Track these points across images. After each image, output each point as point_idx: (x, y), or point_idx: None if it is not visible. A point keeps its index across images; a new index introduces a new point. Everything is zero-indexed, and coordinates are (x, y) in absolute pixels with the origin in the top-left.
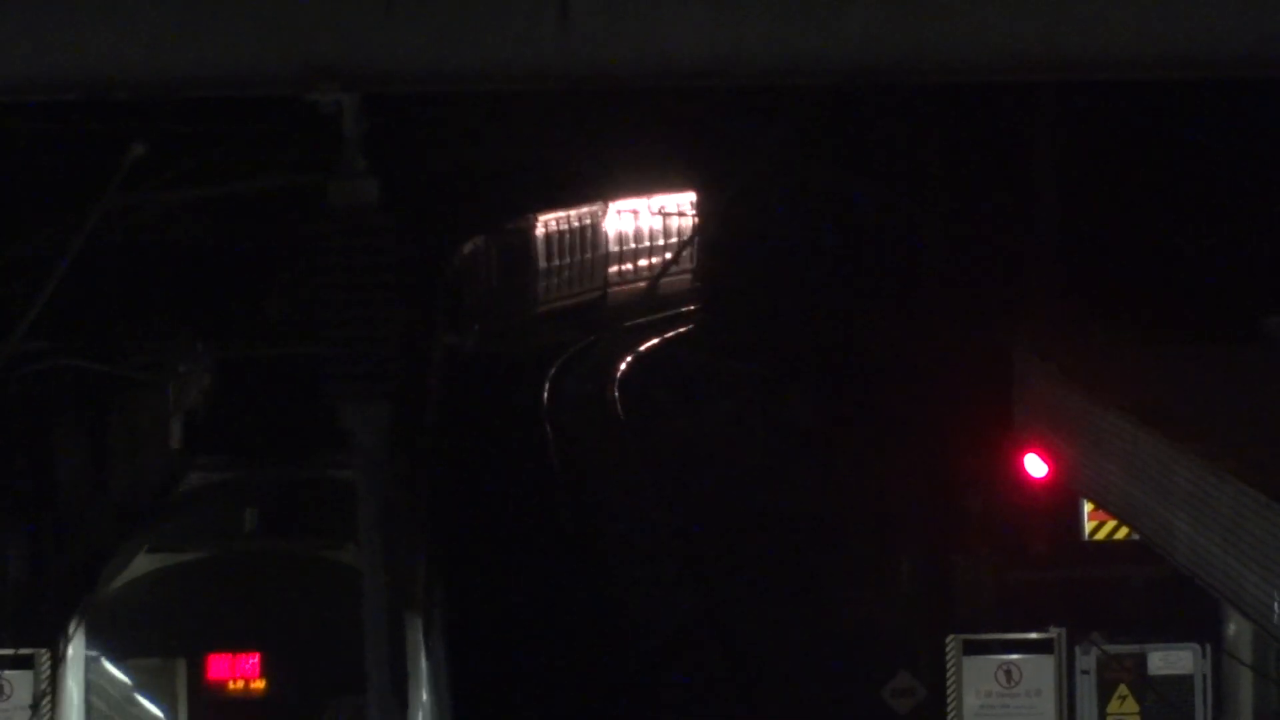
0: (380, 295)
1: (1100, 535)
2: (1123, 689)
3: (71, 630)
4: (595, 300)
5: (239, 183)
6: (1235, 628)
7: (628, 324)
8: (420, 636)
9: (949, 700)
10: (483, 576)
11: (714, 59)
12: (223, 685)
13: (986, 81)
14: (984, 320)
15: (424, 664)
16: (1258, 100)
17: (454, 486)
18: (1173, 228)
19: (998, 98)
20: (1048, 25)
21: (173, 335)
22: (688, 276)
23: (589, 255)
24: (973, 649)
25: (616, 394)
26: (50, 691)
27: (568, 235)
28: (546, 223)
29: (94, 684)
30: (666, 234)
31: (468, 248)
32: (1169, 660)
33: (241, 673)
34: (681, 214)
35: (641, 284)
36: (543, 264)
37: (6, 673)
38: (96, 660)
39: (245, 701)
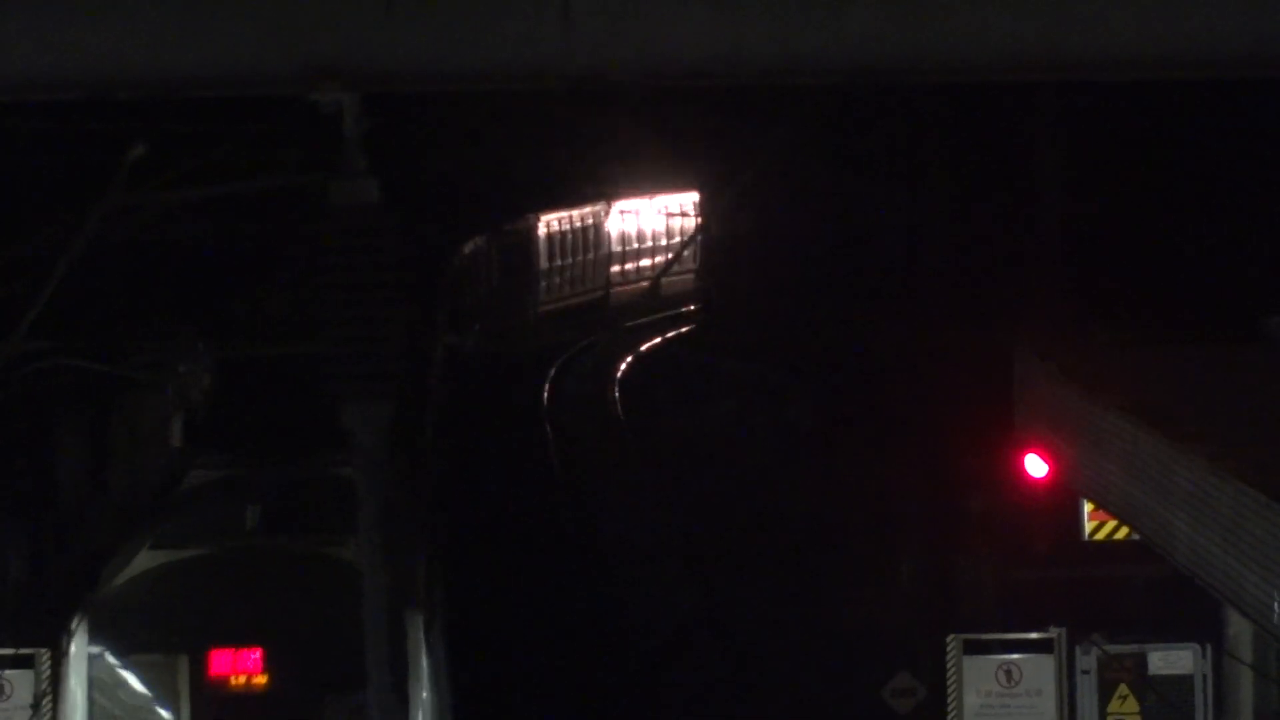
0: (381, 295)
1: (1100, 535)
2: (1123, 689)
3: (74, 627)
4: (595, 301)
5: (240, 182)
6: (1235, 628)
7: (628, 324)
8: (421, 634)
9: (949, 700)
10: (483, 576)
11: (714, 59)
12: (225, 681)
13: (986, 81)
14: (984, 320)
15: (424, 662)
16: (1258, 100)
17: (454, 486)
18: (1173, 228)
19: (998, 98)
20: (1048, 25)
21: (173, 335)
22: (688, 277)
23: (589, 255)
24: (973, 649)
25: (617, 394)
26: (51, 691)
27: (568, 235)
28: (547, 223)
29: (97, 680)
30: (668, 234)
31: (468, 247)
32: (1169, 660)
33: (243, 668)
34: (685, 214)
35: (642, 284)
36: (543, 264)
37: (7, 672)
38: (99, 657)
39: (247, 697)
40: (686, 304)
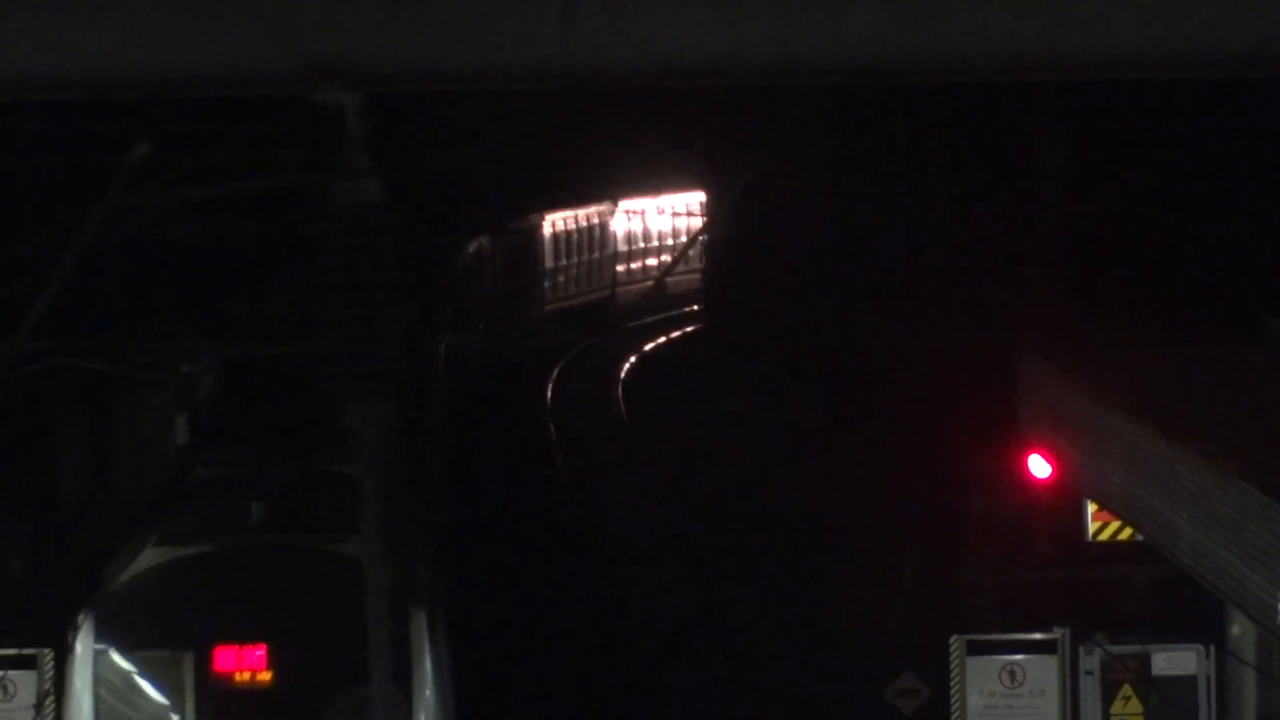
0: (382, 294)
1: (1103, 536)
2: (1126, 689)
3: (80, 623)
4: (596, 301)
5: (240, 182)
6: (1239, 628)
7: (630, 324)
8: (424, 631)
9: (953, 701)
10: (485, 575)
11: (714, 59)
12: (229, 677)
13: (986, 81)
14: (987, 321)
15: (427, 658)
16: (1258, 100)
17: (456, 485)
18: (1173, 228)
19: (998, 98)
20: (1048, 25)
21: (174, 335)
22: (688, 277)
23: (590, 255)
24: (976, 649)
25: (620, 393)
26: (54, 691)
27: (568, 235)
28: (548, 223)
29: (102, 676)
30: (669, 234)
31: (470, 247)
32: (1172, 661)
33: (248, 664)
34: (685, 214)
35: (643, 284)
36: (544, 264)
37: (10, 673)
38: (104, 653)
39: (252, 693)
40: (689, 304)
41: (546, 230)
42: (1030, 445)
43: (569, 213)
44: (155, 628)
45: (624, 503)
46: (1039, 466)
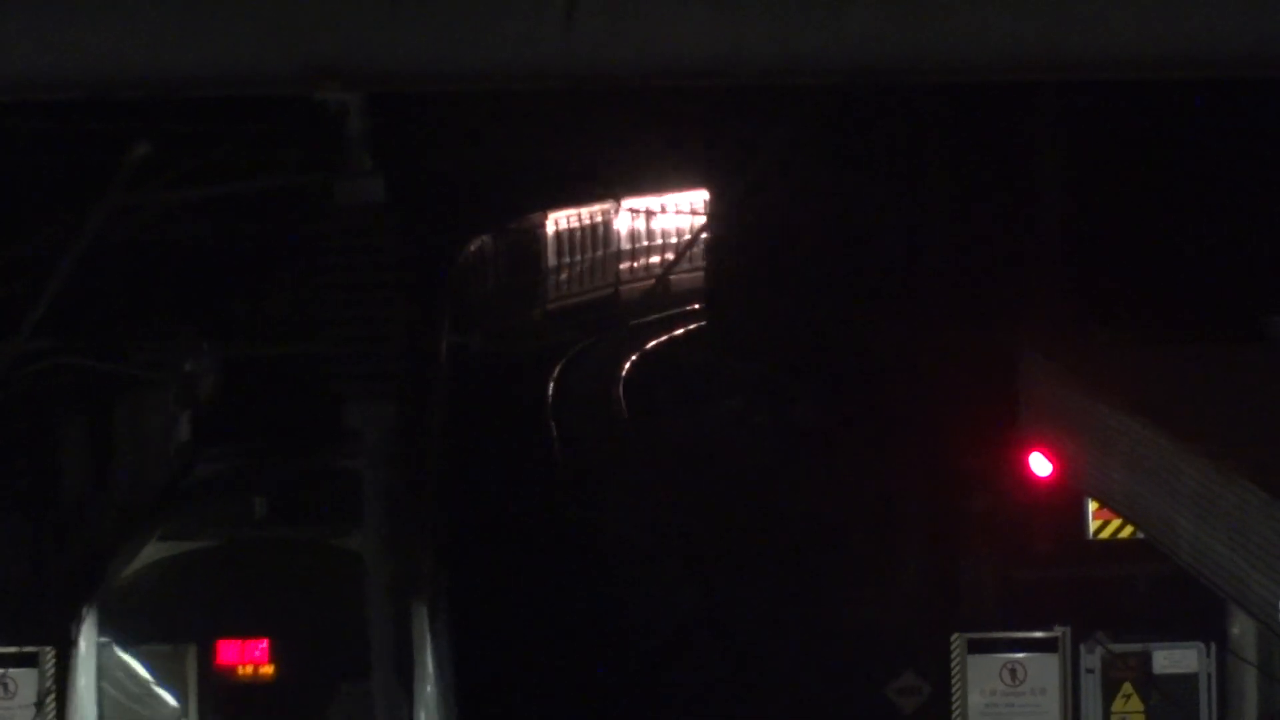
0: (383, 294)
1: (1105, 534)
2: (1127, 688)
3: (83, 618)
4: (597, 300)
5: (240, 182)
6: (1240, 627)
7: (632, 323)
8: (425, 626)
9: (954, 699)
10: (485, 574)
11: (715, 59)
12: (232, 670)
13: (986, 81)
14: (987, 320)
15: (428, 653)
16: (1258, 100)
17: (458, 483)
18: (1174, 227)
19: (998, 98)
20: (1048, 25)
21: (176, 334)
22: (688, 277)
23: (590, 255)
24: (977, 648)
25: (621, 393)
26: (55, 689)
27: (569, 234)
28: (549, 222)
29: (105, 670)
30: (670, 234)
31: (471, 246)
32: (1174, 659)
33: (251, 658)
34: (685, 214)
35: (644, 284)
36: (545, 263)
37: (11, 671)
38: (108, 647)
39: (255, 686)
40: (688, 304)
41: (547, 230)
42: (1031, 444)
43: (568, 212)
44: (158, 622)
45: (624, 502)
46: (1040, 465)
